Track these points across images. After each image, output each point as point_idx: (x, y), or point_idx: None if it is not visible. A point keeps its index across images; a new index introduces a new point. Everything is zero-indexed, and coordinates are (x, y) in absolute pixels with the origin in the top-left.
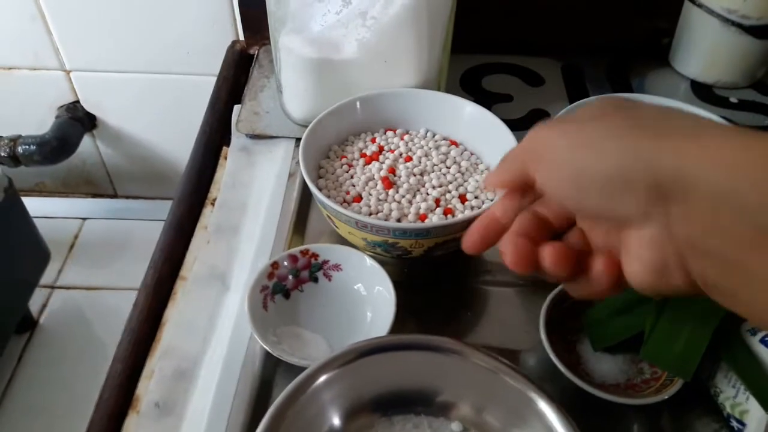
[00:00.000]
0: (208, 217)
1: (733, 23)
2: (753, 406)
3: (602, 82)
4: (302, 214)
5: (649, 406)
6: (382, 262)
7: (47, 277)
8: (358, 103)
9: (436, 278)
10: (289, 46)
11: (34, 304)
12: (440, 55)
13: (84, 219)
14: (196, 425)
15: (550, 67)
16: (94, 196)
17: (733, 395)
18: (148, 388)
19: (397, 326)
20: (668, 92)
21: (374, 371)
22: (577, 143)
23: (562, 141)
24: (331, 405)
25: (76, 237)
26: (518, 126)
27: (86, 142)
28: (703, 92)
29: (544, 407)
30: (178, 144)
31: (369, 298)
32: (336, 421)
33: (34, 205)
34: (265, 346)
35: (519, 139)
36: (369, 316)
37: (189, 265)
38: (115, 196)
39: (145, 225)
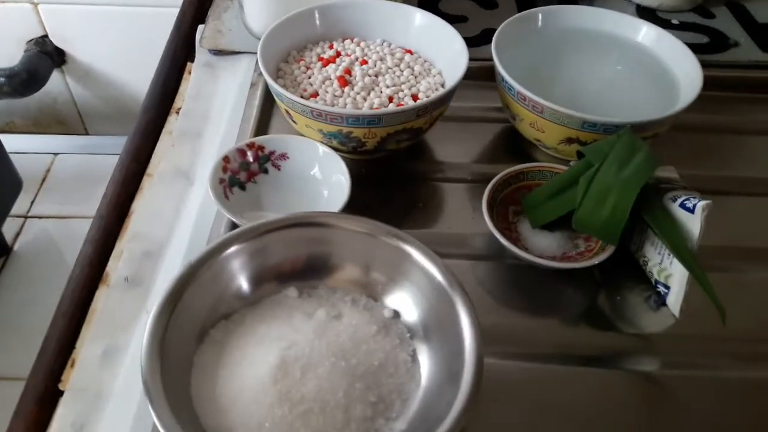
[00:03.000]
0: (173, 124)
1: None
2: (675, 269)
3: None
4: (264, 120)
5: (584, 280)
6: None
7: (20, 207)
8: (316, 12)
9: (391, 176)
10: None
11: (8, 232)
12: None
13: (56, 154)
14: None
15: None
16: (66, 135)
17: (659, 261)
18: (117, 266)
19: None
20: None
21: (275, 246)
22: None
23: None
24: (239, 272)
25: (47, 171)
26: (471, 43)
27: (56, 80)
28: (647, 15)
29: (419, 257)
30: (147, 79)
31: (324, 181)
32: (244, 285)
33: (5, 141)
34: (233, 219)
35: (472, 54)
36: (325, 194)
37: (155, 164)
38: (86, 134)
39: (116, 160)
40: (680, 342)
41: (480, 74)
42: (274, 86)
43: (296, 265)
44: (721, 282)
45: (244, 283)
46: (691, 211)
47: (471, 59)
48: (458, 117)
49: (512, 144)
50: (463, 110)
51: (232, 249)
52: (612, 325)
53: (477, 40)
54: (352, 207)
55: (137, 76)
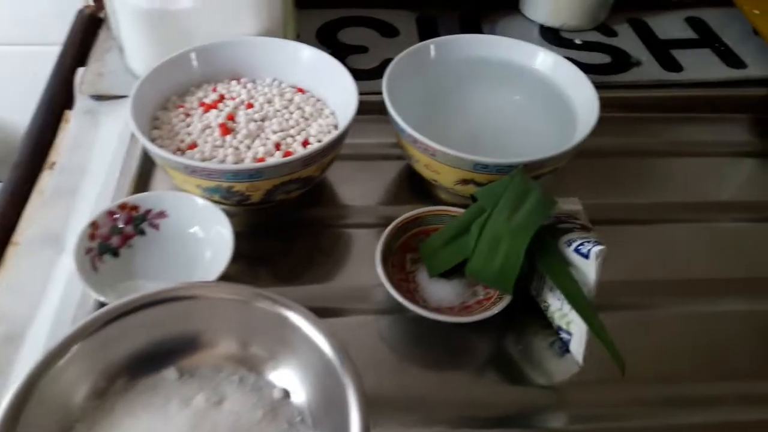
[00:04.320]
0: (46, 181)
1: None
2: (575, 315)
3: (455, 31)
4: (145, 173)
5: (487, 329)
6: (231, 213)
7: None
8: (193, 54)
9: (287, 223)
10: (124, 0)
11: None
12: (280, 5)
13: None
14: None
15: (405, 18)
16: None
17: (560, 307)
18: None
19: (250, 277)
20: (520, 36)
21: (131, 331)
22: None
23: None
24: (80, 380)
25: None
26: (372, 75)
27: None
28: (550, 36)
29: (298, 320)
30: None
31: (207, 240)
32: (87, 392)
33: None
34: (97, 296)
35: (370, 87)
36: (208, 256)
37: (22, 230)
38: None
39: None
40: (587, 391)
41: (382, 108)
42: (146, 144)
43: (165, 345)
44: (625, 320)
45: (98, 381)
46: (586, 256)
47: (371, 93)
48: (361, 155)
49: (417, 182)
50: (366, 147)
51: (72, 351)
52: (518, 376)
53: (378, 71)
54: (243, 263)
55: (15, 112)
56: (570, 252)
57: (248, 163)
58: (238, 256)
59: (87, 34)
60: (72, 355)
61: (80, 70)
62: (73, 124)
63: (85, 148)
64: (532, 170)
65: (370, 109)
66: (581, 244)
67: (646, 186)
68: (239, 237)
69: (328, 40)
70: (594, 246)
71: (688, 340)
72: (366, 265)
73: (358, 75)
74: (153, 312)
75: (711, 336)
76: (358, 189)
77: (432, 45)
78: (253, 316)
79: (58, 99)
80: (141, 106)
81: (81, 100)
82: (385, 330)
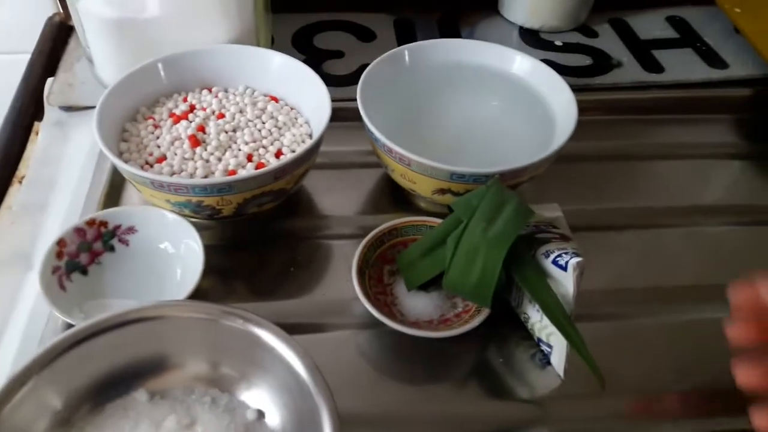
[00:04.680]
0: (14, 196)
1: None
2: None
3: (433, 34)
4: (117, 185)
5: (467, 341)
6: (204, 226)
7: None
8: (161, 64)
9: (264, 235)
10: (90, 10)
11: None
12: (252, 11)
13: None
14: None
15: (382, 22)
16: None
17: (539, 319)
18: None
19: (224, 291)
20: (499, 39)
21: (90, 357)
22: None
23: None
24: (42, 410)
25: None
26: (348, 81)
27: None
28: (530, 38)
29: (269, 339)
30: None
31: (178, 255)
32: (49, 423)
33: None
34: (63, 317)
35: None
36: (179, 273)
37: None
38: None
39: None
40: (569, 404)
41: (359, 115)
42: (111, 158)
43: (133, 367)
44: (606, 330)
45: (62, 408)
46: (564, 268)
47: (348, 99)
48: (338, 163)
49: (396, 190)
50: (344, 155)
51: (32, 382)
52: (500, 389)
53: (354, 77)
54: (217, 277)
55: None
56: (548, 264)
57: (217, 177)
58: (212, 270)
59: (57, 42)
60: (33, 384)
61: (49, 81)
62: (42, 136)
63: (55, 162)
64: (510, 179)
65: (347, 116)
66: (559, 256)
67: (628, 190)
68: (213, 250)
69: (303, 45)
70: (572, 258)
71: (673, 351)
72: (344, 277)
73: (334, 81)
74: (119, 333)
75: (696, 346)
76: (335, 198)
77: (406, 51)
78: (223, 335)
79: (27, 110)
80: (108, 119)
81: (50, 112)
82: (364, 344)
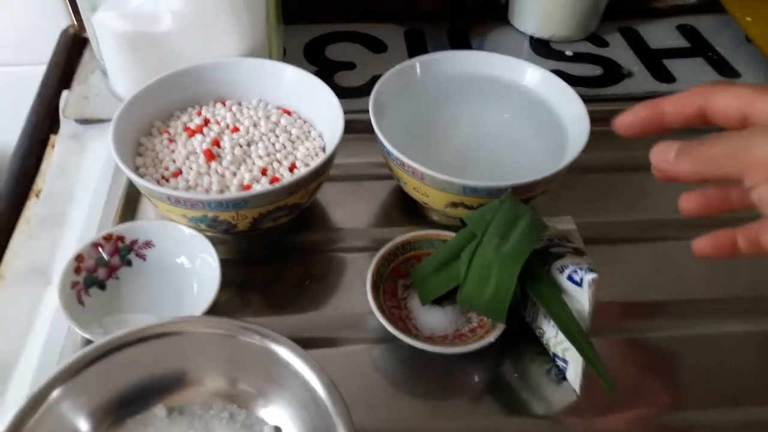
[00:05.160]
0: (32, 210)
1: None
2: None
3: (443, 44)
4: (133, 198)
5: (483, 356)
6: (220, 240)
7: None
8: (175, 78)
9: (278, 249)
10: (104, 24)
11: None
12: (264, 23)
13: None
14: None
15: (393, 33)
16: None
17: (554, 334)
18: None
19: (240, 305)
20: (509, 49)
21: (109, 373)
22: None
23: None
24: (64, 425)
25: None
26: (360, 93)
27: None
28: (540, 47)
29: (286, 355)
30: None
31: (194, 270)
32: (84, 426)
33: None
34: (83, 333)
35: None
36: (195, 288)
37: (8, 262)
38: None
39: None
40: (585, 421)
41: (371, 127)
42: (128, 173)
43: (152, 383)
44: (621, 343)
45: (83, 424)
46: (579, 284)
47: (360, 111)
48: (351, 176)
49: (409, 202)
50: (357, 167)
51: (53, 396)
52: (515, 405)
53: (366, 89)
54: (233, 291)
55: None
56: (563, 279)
57: (233, 192)
58: (228, 283)
59: (71, 54)
60: (53, 399)
61: (65, 93)
62: (58, 149)
63: (71, 175)
64: (523, 192)
65: (359, 128)
66: (574, 271)
67: (643, 202)
68: (229, 264)
69: (315, 57)
70: (587, 273)
71: (689, 364)
72: (358, 290)
73: (346, 93)
74: (138, 349)
75: (712, 359)
76: (348, 211)
77: (417, 63)
78: (240, 351)
79: (43, 123)
80: (123, 134)
81: (66, 124)
82: (379, 359)
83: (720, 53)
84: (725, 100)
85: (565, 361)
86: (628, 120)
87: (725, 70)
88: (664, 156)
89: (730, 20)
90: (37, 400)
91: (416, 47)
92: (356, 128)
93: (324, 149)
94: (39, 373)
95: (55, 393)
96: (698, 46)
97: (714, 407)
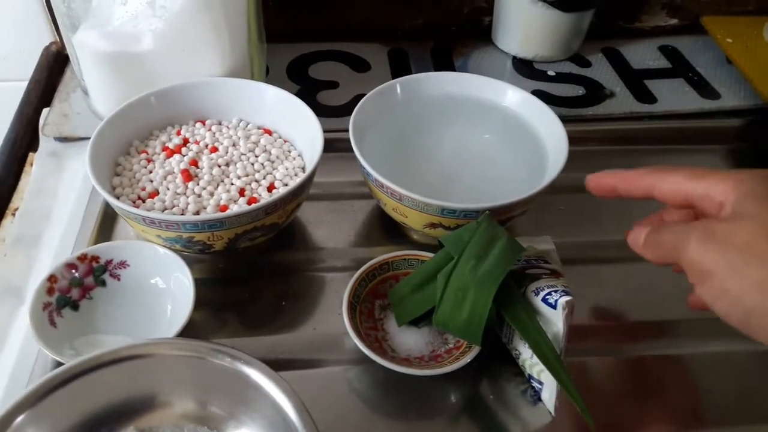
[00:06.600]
0: (8, 228)
1: None
2: None
3: (427, 64)
4: (110, 218)
5: (459, 376)
6: (197, 259)
7: None
8: (153, 98)
9: (256, 268)
10: (84, 43)
11: None
12: (246, 43)
13: None
14: None
15: (376, 52)
16: None
17: (530, 356)
18: None
19: (216, 325)
20: (492, 69)
21: (78, 396)
22: (754, 283)
23: (739, 276)
24: None
25: None
26: (342, 112)
27: None
28: (523, 67)
29: (258, 377)
30: None
31: (168, 290)
32: None
33: None
34: (53, 355)
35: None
36: (169, 308)
37: None
38: None
39: None
40: None
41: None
42: (103, 193)
43: (122, 406)
44: (598, 365)
45: None
46: (554, 307)
47: (342, 129)
48: (331, 195)
49: (389, 222)
50: (337, 186)
51: (19, 419)
52: (491, 426)
53: (348, 108)
54: (209, 310)
55: None
56: (538, 301)
57: (208, 213)
58: (204, 303)
59: (53, 71)
60: (17, 425)
61: (45, 111)
62: (36, 167)
63: (49, 193)
64: (502, 213)
65: (341, 147)
66: (549, 294)
67: (622, 222)
68: (205, 284)
69: (298, 76)
70: (561, 296)
71: (667, 385)
72: (335, 311)
73: (328, 111)
74: (107, 372)
75: (691, 380)
76: (328, 230)
77: (398, 84)
78: (211, 374)
79: (22, 141)
80: (101, 153)
81: (45, 142)
82: (354, 381)
83: (701, 74)
84: (669, 187)
85: (540, 383)
86: (592, 185)
87: (706, 91)
88: (635, 242)
89: (711, 42)
90: (2, 424)
91: (400, 66)
92: (339, 147)
93: (304, 169)
94: (7, 396)
95: (19, 419)
96: (679, 67)
97: (693, 429)
